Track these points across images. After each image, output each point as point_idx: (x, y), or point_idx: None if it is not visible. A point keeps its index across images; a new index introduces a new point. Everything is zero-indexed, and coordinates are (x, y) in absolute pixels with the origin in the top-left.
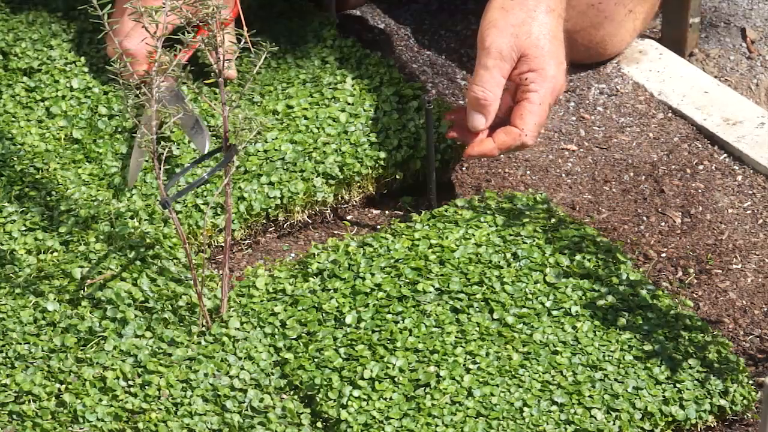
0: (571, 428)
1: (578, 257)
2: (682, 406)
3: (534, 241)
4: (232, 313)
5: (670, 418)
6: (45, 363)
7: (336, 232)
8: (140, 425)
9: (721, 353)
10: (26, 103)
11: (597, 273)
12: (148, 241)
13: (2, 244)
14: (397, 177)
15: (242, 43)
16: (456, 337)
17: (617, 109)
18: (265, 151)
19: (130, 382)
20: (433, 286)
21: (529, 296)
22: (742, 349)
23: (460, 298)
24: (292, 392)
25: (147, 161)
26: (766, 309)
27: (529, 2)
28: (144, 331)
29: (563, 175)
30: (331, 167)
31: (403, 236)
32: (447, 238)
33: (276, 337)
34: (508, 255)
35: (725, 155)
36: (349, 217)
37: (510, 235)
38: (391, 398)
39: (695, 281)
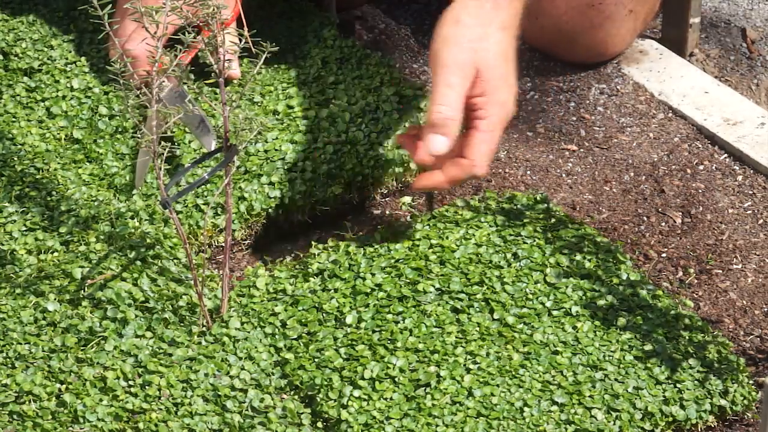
0: (571, 428)
1: (578, 257)
2: (682, 406)
3: (534, 241)
4: (233, 313)
5: (670, 418)
6: (45, 363)
7: (336, 232)
8: (141, 425)
9: (721, 353)
10: (27, 104)
11: (597, 273)
12: (148, 241)
13: (2, 244)
14: (397, 177)
15: (243, 43)
16: (456, 337)
17: (617, 109)
18: (266, 151)
19: (131, 382)
20: (434, 286)
21: (530, 296)
22: (742, 349)
23: (460, 298)
24: (292, 392)
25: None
26: (766, 309)
27: (485, 17)
28: (144, 331)
29: (563, 175)
30: (331, 167)
31: (404, 236)
32: (447, 238)
33: (276, 337)
34: (509, 255)
35: (725, 155)
36: (349, 217)
37: (510, 235)
38: (391, 398)
39: (695, 281)
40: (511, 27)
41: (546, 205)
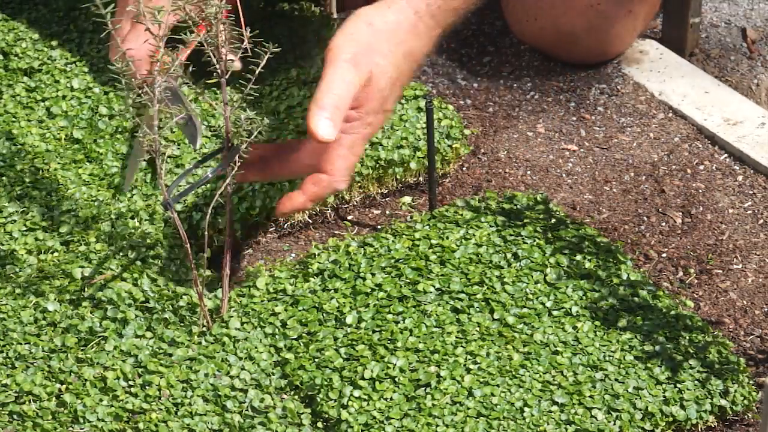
0: (571, 428)
1: (578, 257)
2: (682, 407)
3: (534, 241)
4: (233, 313)
5: (670, 419)
6: (45, 363)
7: (336, 232)
8: (141, 425)
9: (721, 353)
10: (27, 103)
11: (597, 273)
12: (148, 241)
13: (3, 244)
14: (398, 177)
15: (244, 43)
16: (456, 337)
17: (618, 110)
18: None
19: (131, 383)
20: (434, 287)
21: (530, 296)
22: (742, 350)
23: (460, 298)
24: (292, 392)
25: (145, 161)
26: (766, 309)
27: (398, 36)
28: (144, 331)
29: (564, 175)
30: None
31: (404, 236)
32: (447, 238)
33: (276, 337)
34: (509, 255)
35: (726, 155)
36: (349, 217)
37: (510, 235)
38: (391, 398)
39: (696, 281)
40: (416, 58)
41: (546, 205)
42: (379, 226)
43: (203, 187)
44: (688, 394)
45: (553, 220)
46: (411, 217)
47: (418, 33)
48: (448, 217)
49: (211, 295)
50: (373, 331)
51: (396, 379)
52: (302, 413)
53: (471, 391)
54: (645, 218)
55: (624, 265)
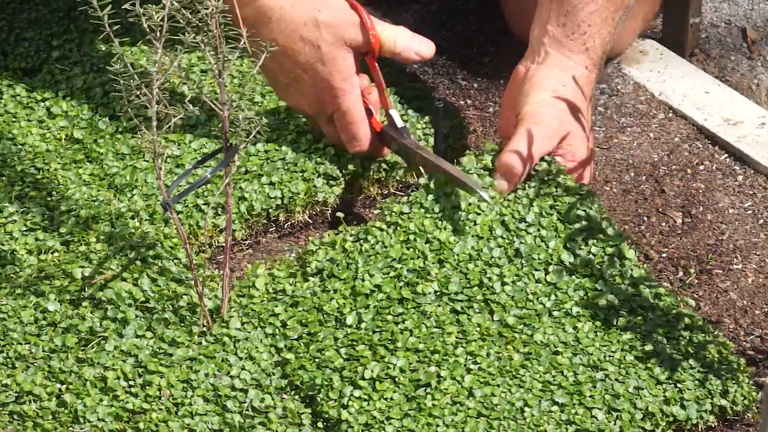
0: (572, 428)
1: (582, 252)
2: (683, 406)
3: (538, 230)
4: (233, 313)
5: (671, 418)
6: (46, 363)
7: (335, 231)
8: (141, 425)
9: (721, 353)
10: (27, 103)
11: (599, 270)
12: (148, 241)
13: (3, 244)
14: (398, 178)
15: (242, 43)
16: (456, 338)
17: (618, 110)
18: (266, 151)
19: (131, 383)
20: (433, 288)
21: (530, 297)
22: (742, 349)
23: (460, 299)
24: (292, 392)
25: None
26: (766, 309)
27: (581, 84)
28: (145, 331)
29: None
30: (331, 167)
31: (398, 227)
32: (445, 229)
33: (277, 337)
34: (510, 251)
35: (726, 155)
36: (349, 217)
37: (513, 221)
38: (391, 398)
39: (696, 281)
40: (590, 99)
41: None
42: (376, 211)
43: (203, 187)
44: (688, 394)
45: (558, 189)
46: (409, 195)
47: (591, 81)
48: (445, 188)
49: (211, 295)
50: (374, 332)
51: (396, 379)
52: (302, 413)
53: (471, 392)
54: (645, 218)
55: (628, 261)
